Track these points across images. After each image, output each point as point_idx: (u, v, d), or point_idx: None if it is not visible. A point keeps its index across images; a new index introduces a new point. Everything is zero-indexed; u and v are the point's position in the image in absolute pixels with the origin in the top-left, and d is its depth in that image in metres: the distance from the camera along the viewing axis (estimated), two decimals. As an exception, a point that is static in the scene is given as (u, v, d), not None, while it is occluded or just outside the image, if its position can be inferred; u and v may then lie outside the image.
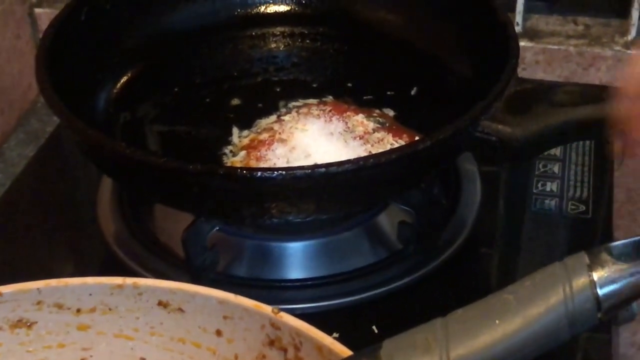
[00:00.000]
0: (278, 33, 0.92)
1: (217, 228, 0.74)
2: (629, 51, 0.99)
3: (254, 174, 0.64)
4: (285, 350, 0.55)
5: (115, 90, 0.84)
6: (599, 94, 0.70)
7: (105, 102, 0.83)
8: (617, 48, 0.99)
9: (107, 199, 0.83)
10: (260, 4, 0.92)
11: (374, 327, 0.70)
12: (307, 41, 0.91)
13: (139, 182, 0.73)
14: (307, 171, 0.64)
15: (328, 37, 0.90)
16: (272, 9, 0.92)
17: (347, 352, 0.52)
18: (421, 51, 0.86)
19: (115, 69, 0.85)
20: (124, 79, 0.85)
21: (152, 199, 0.80)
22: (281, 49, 0.90)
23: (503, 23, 0.76)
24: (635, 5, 0.99)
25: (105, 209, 0.82)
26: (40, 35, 1.07)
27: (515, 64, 0.72)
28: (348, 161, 0.64)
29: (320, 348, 0.53)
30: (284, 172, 0.64)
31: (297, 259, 0.76)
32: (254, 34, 0.91)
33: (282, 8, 0.92)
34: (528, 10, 1.02)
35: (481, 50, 0.79)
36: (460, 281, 0.75)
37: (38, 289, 0.57)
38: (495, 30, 0.76)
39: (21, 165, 0.97)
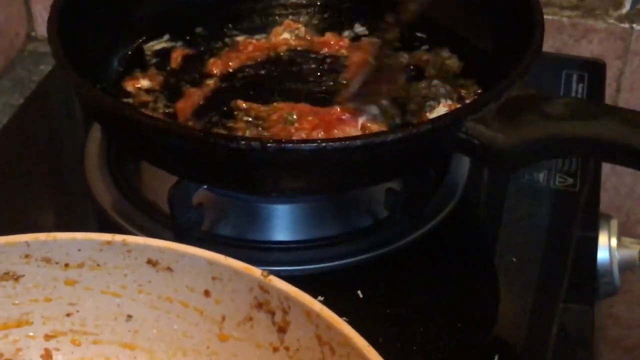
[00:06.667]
0: (299, 3, 0.91)
1: (204, 187, 0.74)
2: (622, 24, 0.99)
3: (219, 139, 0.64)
4: (273, 314, 0.55)
5: (127, 56, 0.84)
6: (595, 109, 0.68)
7: (116, 67, 0.83)
8: (611, 21, 0.99)
9: (94, 152, 0.82)
10: None
11: (359, 292, 0.70)
12: (326, 14, 0.90)
13: (121, 136, 0.73)
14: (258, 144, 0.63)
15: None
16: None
17: (336, 318, 0.52)
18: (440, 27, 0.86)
19: (128, 35, 0.84)
20: (137, 44, 0.85)
21: (137, 156, 0.80)
22: (302, 21, 0.89)
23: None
24: (631, -22, 0.99)
25: (92, 162, 0.81)
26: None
27: (513, 81, 0.69)
28: (305, 140, 0.63)
29: (308, 313, 0.53)
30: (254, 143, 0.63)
31: (283, 221, 0.75)
32: (270, 4, 0.91)
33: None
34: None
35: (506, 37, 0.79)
36: (445, 250, 0.75)
37: (27, 242, 0.56)
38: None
39: (7, 114, 0.96)
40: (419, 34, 0.86)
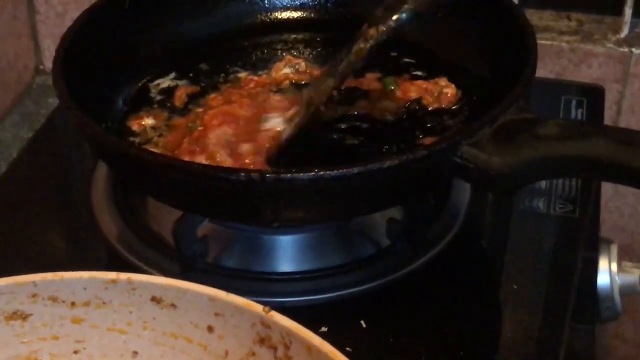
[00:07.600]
0: (300, 39, 0.92)
1: (208, 219, 0.75)
2: (620, 48, 1.00)
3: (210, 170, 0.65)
4: (275, 349, 0.56)
5: (132, 95, 0.85)
6: (586, 129, 0.68)
7: (121, 106, 0.84)
8: (610, 45, 1.00)
9: (101, 186, 0.83)
10: (282, 9, 0.93)
11: (362, 322, 0.71)
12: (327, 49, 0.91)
13: (125, 172, 0.74)
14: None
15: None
16: (287, 14, 0.93)
17: (335, 353, 0.53)
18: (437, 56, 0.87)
19: (132, 73, 0.85)
20: (141, 83, 0.86)
21: (142, 192, 0.81)
22: (300, 54, 0.91)
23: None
24: (629, 2, 1.00)
25: (99, 195, 0.83)
26: (37, 17, 1.08)
27: (507, 106, 0.69)
28: (307, 169, 0.64)
29: (309, 348, 0.54)
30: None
31: (287, 252, 0.76)
32: (272, 40, 0.92)
33: (298, 14, 0.93)
34: (522, 4, 1.02)
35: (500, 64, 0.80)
36: (448, 278, 0.76)
37: (34, 282, 0.57)
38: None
39: (15, 147, 0.98)
40: (409, 60, 0.87)
